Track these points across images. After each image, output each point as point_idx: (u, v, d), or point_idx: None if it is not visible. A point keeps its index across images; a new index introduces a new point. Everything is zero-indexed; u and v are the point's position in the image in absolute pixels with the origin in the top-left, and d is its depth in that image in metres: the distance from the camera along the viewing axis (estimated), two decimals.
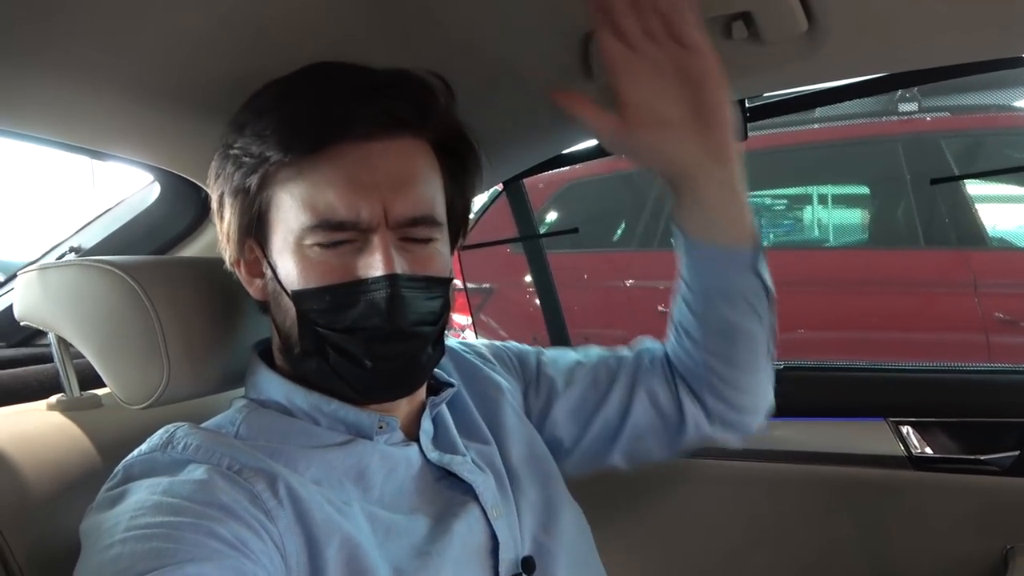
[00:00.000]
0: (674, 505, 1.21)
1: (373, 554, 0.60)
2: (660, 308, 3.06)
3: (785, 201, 3.55)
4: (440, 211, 0.70)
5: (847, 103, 2.85)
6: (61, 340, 0.82)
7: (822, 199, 3.44)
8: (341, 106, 0.64)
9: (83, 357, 0.79)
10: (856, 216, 3.39)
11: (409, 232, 0.66)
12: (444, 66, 0.71)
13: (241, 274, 0.72)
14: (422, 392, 0.75)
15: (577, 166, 3.62)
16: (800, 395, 1.16)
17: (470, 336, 3.28)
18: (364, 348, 0.64)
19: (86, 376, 0.84)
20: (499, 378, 0.86)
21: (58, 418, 0.80)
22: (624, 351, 0.91)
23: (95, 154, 0.93)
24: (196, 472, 0.58)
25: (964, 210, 2.75)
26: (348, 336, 0.64)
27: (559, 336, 1.32)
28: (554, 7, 0.78)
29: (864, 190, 3.30)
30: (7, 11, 0.61)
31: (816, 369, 1.19)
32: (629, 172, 3.39)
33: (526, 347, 0.93)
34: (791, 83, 0.92)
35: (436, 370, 0.80)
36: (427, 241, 0.67)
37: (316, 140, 0.63)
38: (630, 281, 3.22)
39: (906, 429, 1.11)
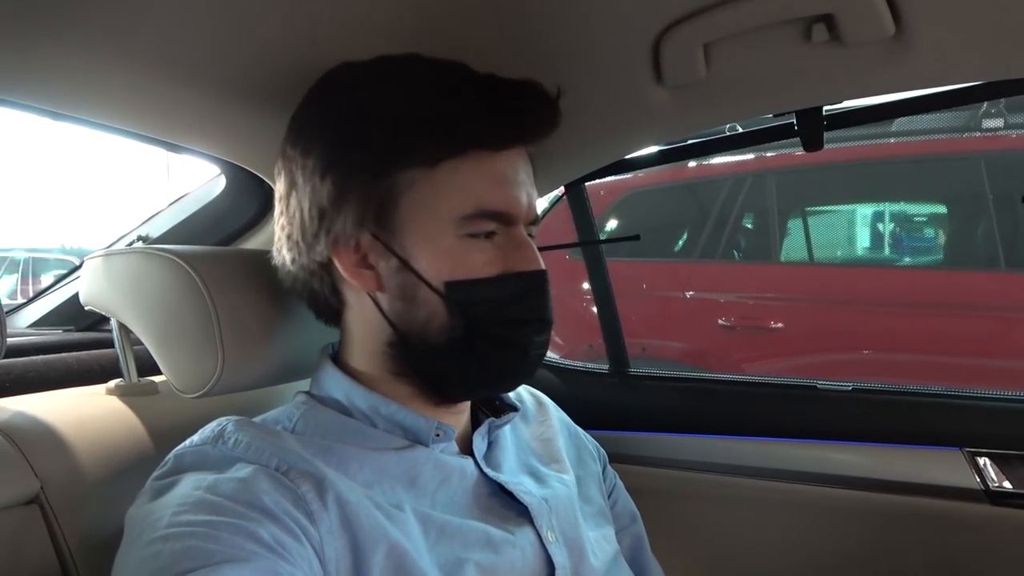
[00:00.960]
0: (727, 529, 1.16)
1: (422, 560, 0.59)
2: (720, 321, 2.99)
3: (855, 216, 3.44)
4: None
5: (926, 117, 2.84)
6: (122, 326, 0.84)
7: (896, 216, 3.32)
8: (488, 110, 0.66)
9: (143, 344, 0.80)
10: (932, 235, 3.26)
11: (532, 230, 0.71)
12: (508, 62, 0.70)
13: (344, 268, 0.68)
14: (472, 407, 0.76)
15: (639, 174, 3.65)
16: (869, 419, 1.10)
17: None
18: (527, 339, 0.67)
19: (145, 363, 0.85)
20: (591, 447, 0.90)
21: (114, 402, 0.82)
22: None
23: (168, 145, 0.96)
24: (242, 471, 0.57)
25: None
26: (513, 327, 0.67)
27: (615, 345, 1.29)
28: (625, 7, 0.76)
29: (941, 208, 3.16)
30: (96, 6, 0.62)
31: (887, 392, 1.13)
32: (693, 182, 3.35)
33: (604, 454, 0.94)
34: (874, 90, 0.87)
35: (507, 394, 0.82)
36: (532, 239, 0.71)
37: (467, 141, 0.65)
38: (690, 292, 3.15)
39: (983, 460, 1.03)
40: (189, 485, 0.56)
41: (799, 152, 3.07)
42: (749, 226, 3.34)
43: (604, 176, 1.11)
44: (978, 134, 2.75)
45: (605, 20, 0.79)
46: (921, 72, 0.82)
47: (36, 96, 0.76)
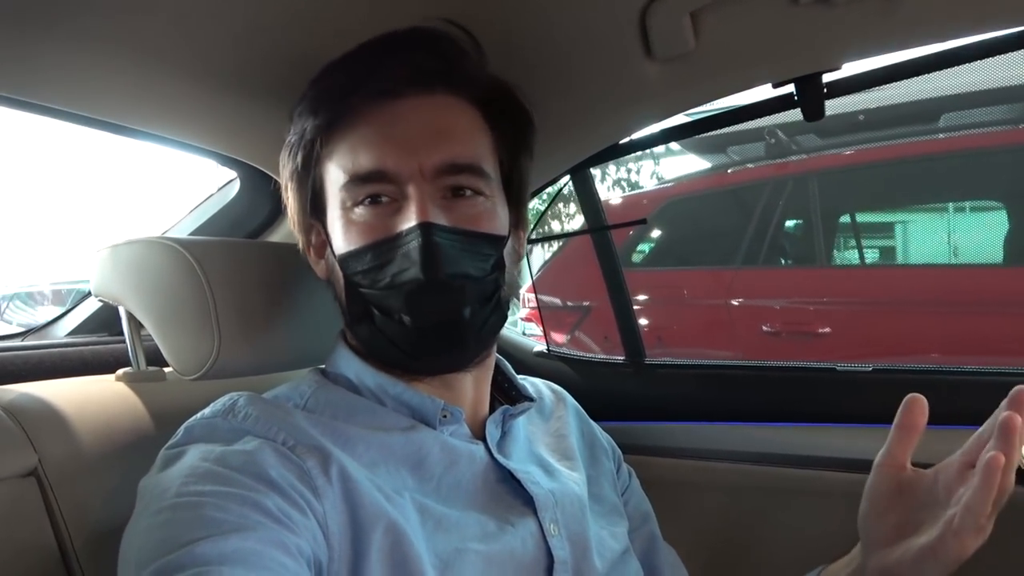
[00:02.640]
0: (747, 519, 1.12)
1: (418, 543, 0.59)
2: (764, 328, 2.92)
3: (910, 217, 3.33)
4: (487, 164, 0.68)
5: (977, 111, 2.74)
6: (131, 316, 0.87)
7: (947, 214, 3.20)
8: (361, 67, 0.66)
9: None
10: (988, 232, 3.13)
11: (453, 181, 0.65)
12: (502, 49, 0.71)
13: (310, 258, 0.74)
14: (481, 394, 0.74)
15: (677, 183, 3.61)
16: (891, 401, 1.05)
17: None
18: (402, 302, 0.64)
19: (158, 354, 0.88)
20: (606, 446, 0.89)
21: (120, 388, 0.84)
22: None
23: (176, 144, 0.99)
24: (250, 444, 0.58)
25: None
26: (387, 292, 0.64)
27: (629, 334, 1.27)
28: None
29: (996, 204, 3.04)
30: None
31: (910, 372, 1.07)
32: (731, 188, 3.29)
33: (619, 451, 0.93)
34: (869, 50, 0.84)
35: (525, 383, 0.82)
36: (474, 197, 0.67)
37: (340, 99, 0.65)
38: (735, 300, 3.09)
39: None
40: (197, 456, 0.57)
41: (846, 152, 3.03)
42: (792, 230, 3.27)
43: (606, 160, 1.10)
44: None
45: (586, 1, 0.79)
46: (915, 29, 0.80)
47: (40, 94, 0.79)
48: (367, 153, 0.64)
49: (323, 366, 0.75)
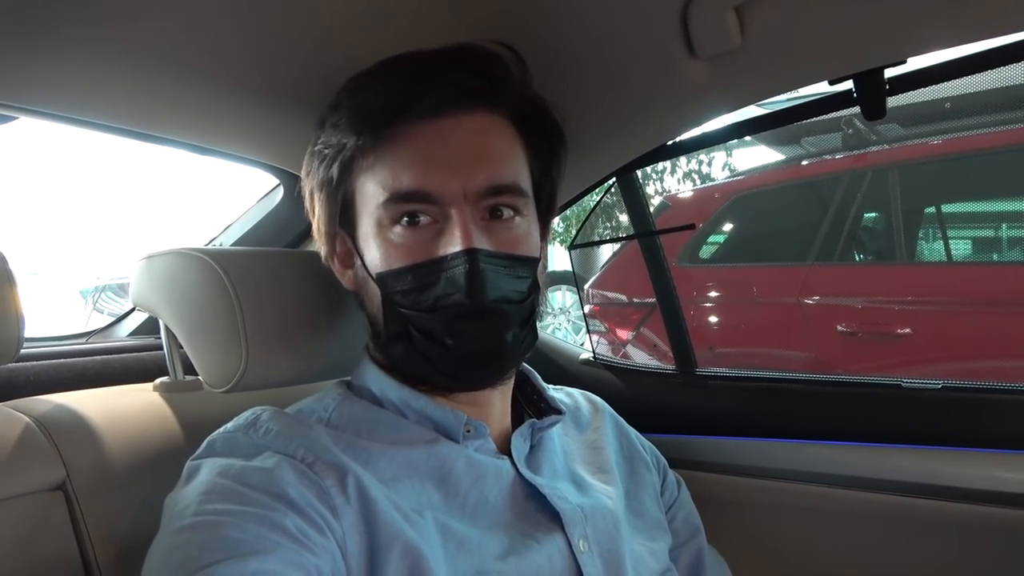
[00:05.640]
0: (801, 541, 1.06)
1: (437, 567, 0.58)
2: (839, 327, 2.79)
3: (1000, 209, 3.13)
4: (524, 183, 0.68)
5: None
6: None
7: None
8: (406, 84, 0.64)
9: None
10: None
11: (494, 202, 0.65)
12: (542, 60, 0.69)
13: (335, 267, 0.74)
14: (506, 407, 0.73)
15: (744, 177, 3.49)
16: (961, 421, 0.97)
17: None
18: (445, 326, 0.63)
19: None
20: (649, 458, 0.86)
21: (155, 398, 0.85)
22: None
23: (212, 152, 1.00)
24: (269, 461, 0.58)
25: None
26: (430, 315, 0.64)
27: (680, 343, 1.22)
28: None
29: None
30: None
31: (970, 391, 0.98)
32: (800, 182, 3.16)
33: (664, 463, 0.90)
34: (933, 44, 0.77)
35: (559, 393, 0.81)
36: (512, 218, 0.66)
37: (384, 120, 0.64)
38: (812, 298, 2.96)
39: None
40: (216, 471, 0.57)
41: (919, 142, 2.87)
42: (870, 225, 3.11)
43: (653, 162, 1.05)
44: None
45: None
46: (985, 20, 0.73)
47: (85, 110, 0.81)
48: (409, 173, 0.63)
49: (348, 378, 0.75)
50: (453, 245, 0.62)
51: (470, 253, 0.61)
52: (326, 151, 0.68)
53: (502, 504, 0.66)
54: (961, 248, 3.13)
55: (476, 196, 0.63)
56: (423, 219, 0.64)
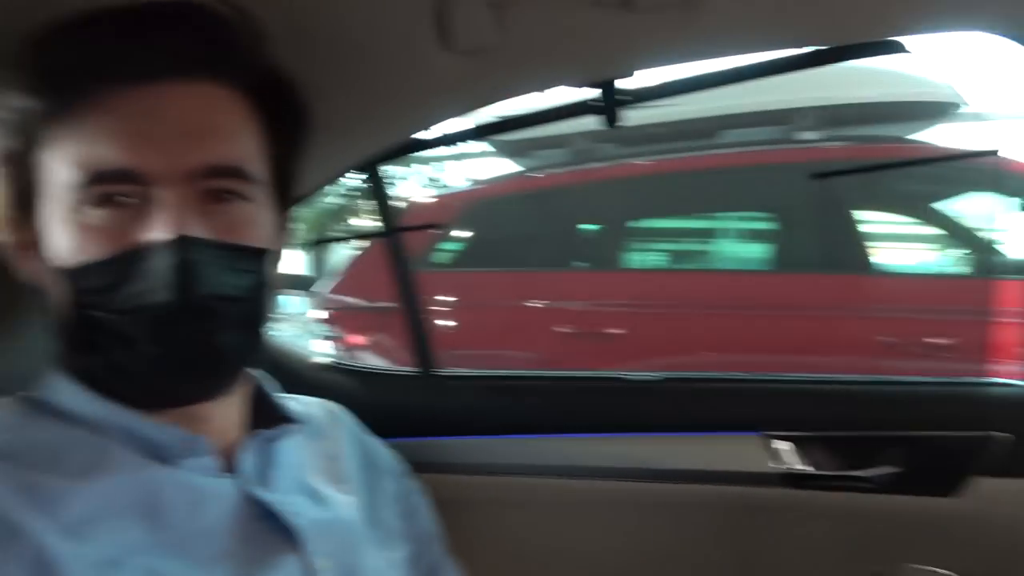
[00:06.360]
0: (536, 532, 1.10)
1: None
2: (554, 329, 3.01)
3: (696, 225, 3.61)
4: (254, 166, 0.58)
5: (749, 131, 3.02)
6: None
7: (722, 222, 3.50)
8: (112, 45, 0.54)
9: None
10: (758, 240, 3.47)
11: (212, 185, 0.55)
12: (281, 32, 0.61)
13: (16, 257, 0.60)
14: (232, 418, 0.64)
15: (485, 184, 3.65)
16: (678, 408, 1.09)
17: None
18: (146, 330, 0.53)
19: None
20: (387, 464, 0.81)
21: None
22: None
23: None
24: None
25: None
26: (127, 318, 0.53)
27: (419, 343, 1.22)
28: None
29: (763, 215, 3.36)
30: None
31: (688, 381, 1.12)
32: (535, 191, 3.38)
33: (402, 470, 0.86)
34: (667, 59, 0.85)
35: (292, 402, 0.72)
36: (236, 201, 0.57)
37: (80, 84, 0.53)
38: (540, 302, 3.15)
39: (781, 444, 1.03)
40: None
41: (638, 161, 3.22)
42: (587, 235, 3.43)
43: (402, 155, 1.03)
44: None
45: None
46: (713, 40, 0.81)
47: None
48: (110, 148, 0.53)
49: (31, 392, 0.60)
50: (157, 231, 0.53)
51: (180, 242, 0.52)
52: (9, 119, 0.55)
53: (224, 530, 0.58)
54: (660, 258, 3.59)
55: (189, 176, 0.54)
56: (122, 199, 0.53)
